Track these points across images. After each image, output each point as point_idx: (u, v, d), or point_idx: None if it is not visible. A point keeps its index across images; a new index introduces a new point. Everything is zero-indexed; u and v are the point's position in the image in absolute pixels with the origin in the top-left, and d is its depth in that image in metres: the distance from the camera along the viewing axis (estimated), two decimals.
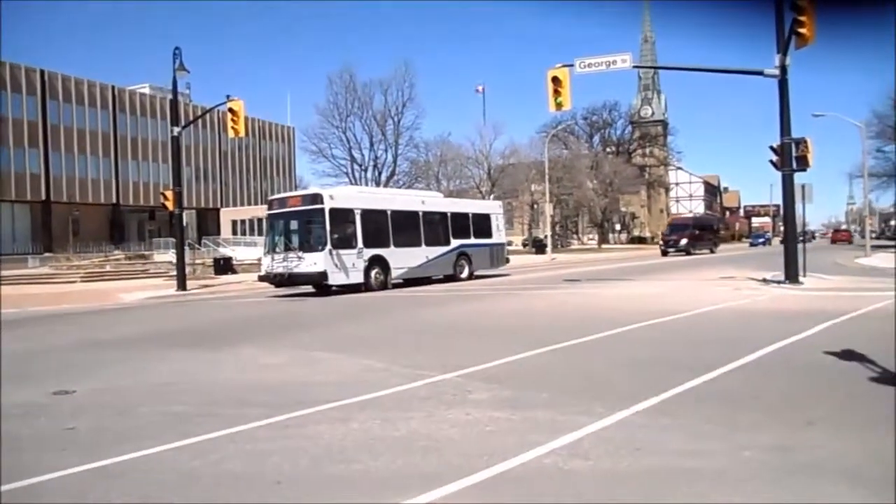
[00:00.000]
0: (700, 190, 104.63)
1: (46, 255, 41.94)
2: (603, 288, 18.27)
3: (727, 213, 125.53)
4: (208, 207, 58.74)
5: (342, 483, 3.87)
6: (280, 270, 18.46)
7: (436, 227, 22.08)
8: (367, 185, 57.49)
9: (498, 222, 25.26)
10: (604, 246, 69.94)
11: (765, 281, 17.30)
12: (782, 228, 20.68)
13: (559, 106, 17.65)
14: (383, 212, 20.26)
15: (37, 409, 6.06)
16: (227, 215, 55.77)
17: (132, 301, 20.02)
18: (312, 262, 17.89)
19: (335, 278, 18.17)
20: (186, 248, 25.88)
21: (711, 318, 11.01)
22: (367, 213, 19.44)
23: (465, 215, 23.69)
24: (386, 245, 19.85)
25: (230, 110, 21.87)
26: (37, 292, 24.62)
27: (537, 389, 5.99)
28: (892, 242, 52.95)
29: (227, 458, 4.41)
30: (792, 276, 15.86)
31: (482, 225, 24.14)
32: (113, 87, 52.23)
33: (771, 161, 16.12)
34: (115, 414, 5.79)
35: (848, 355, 7.04)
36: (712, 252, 46.99)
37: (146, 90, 55.74)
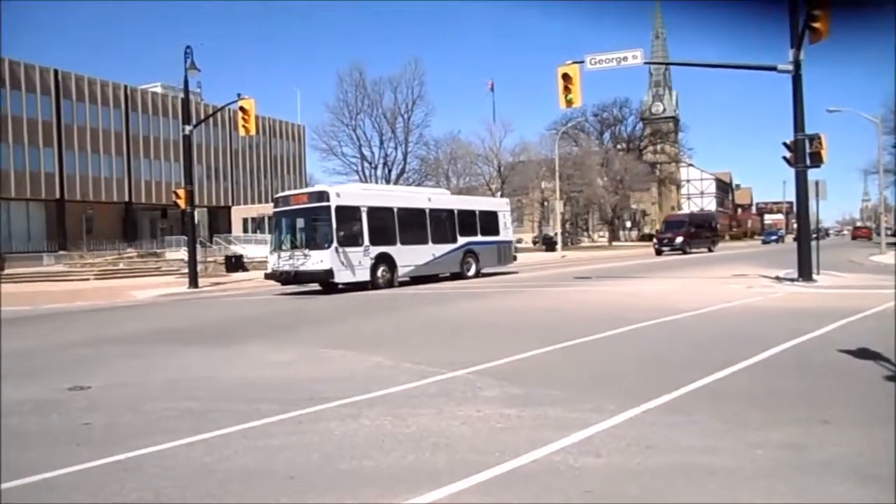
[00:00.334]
0: (711, 187, 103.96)
1: (61, 252, 42.35)
2: (614, 285, 18.20)
3: (739, 210, 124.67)
4: (219, 205, 59.04)
5: (354, 479, 3.88)
6: (286, 268, 18.47)
7: (442, 225, 21.99)
8: (377, 182, 57.54)
9: (505, 220, 25.14)
10: (614, 243, 69.68)
11: (778, 279, 17.18)
12: (795, 226, 20.53)
13: (570, 103, 17.60)
14: (390, 209, 20.21)
15: (52, 404, 6.12)
16: (238, 213, 56.05)
17: (145, 298, 20.18)
18: (319, 260, 17.87)
19: (341, 276, 18.13)
20: (198, 245, 26.04)
21: (724, 316, 10.94)
22: (373, 211, 19.39)
23: (472, 213, 23.60)
24: (392, 243, 19.81)
25: (241, 109, 21.98)
26: (51, 289, 24.87)
27: (548, 386, 5.98)
28: None
29: (240, 453, 4.44)
30: (805, 273, 15.73)
31: (489, 222, 24.03)
32: (125, 87, 52.58)
33: (784, 157, 15.98)
34: (129, 409, 5.85)
35: (863, 353, 6.97)
36: (710, 251, 45.00)
37: (158, 89, 56.07)
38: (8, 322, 14.32)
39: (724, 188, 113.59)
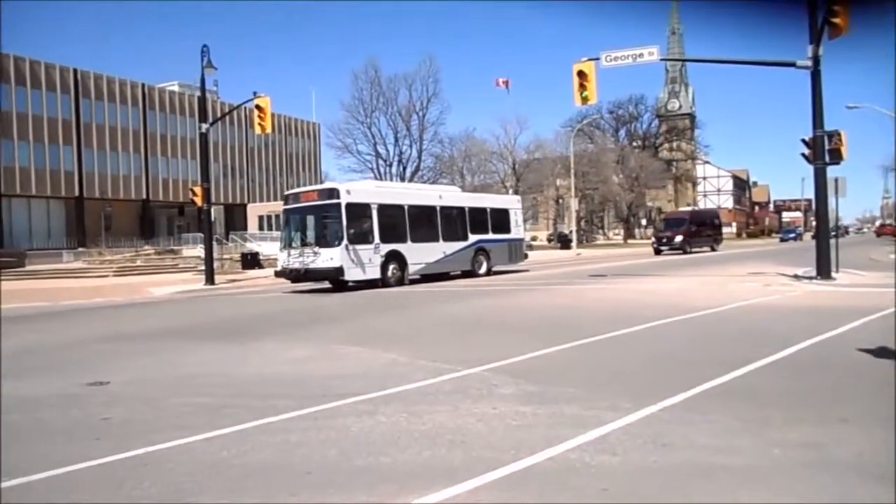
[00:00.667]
0: (728, 184, 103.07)
1: (80, 249, 42.89)
2: (629, 283, 18.10)
3: (756, 207, 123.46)
4: (235, 203, 59.48)
5: (370, 475, 3.90)
6: (296, 266, 18.39)
7: (453, 222, 21.84)
8: (392, 180, 57.62)
9: (516, 217, 24.91)
10: (630, 241, 69.30)
11: (796, 277, 16.99)
12: (814, 223, 20.27)
13: (585, 100, 17.52)
14: (400, 206, 20.11)
15: (72, 399, 6.21)
16: (253, 211, 56.44)
17: (162, 295, 20.38)
18: (329, 258, 17.78)
19: (351, 274, 18.05)
20: (214, 243, 26.24)
21: (741, 314, 10.84)
22: (383, 208, 19.26)
23: (483, 210, 23.40)
24: (403, 240, 19.69)
25: (257, 107, 22.10)
26: (71, 286, 25.20)
27: (564, 384, 5.97)
28: None
29: (257, 448, 4.47)
30: (824, 271, 15.55)
31: (500, 220, 23.83)
32: (143, 85, 53.12)
33: (803, 154, 15.80)
34: (147, 405, 5.92)
35: (882, 352, 6.88)
36: (713, 250, 42.78)
37: (175, 88, 56.58)
38: (29, 318, 14.55)
39: (742, 185, 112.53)
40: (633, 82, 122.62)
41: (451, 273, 21.93)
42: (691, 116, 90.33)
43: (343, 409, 5.39)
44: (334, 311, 14.01)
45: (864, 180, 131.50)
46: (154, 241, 47.72)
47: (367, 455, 4.24)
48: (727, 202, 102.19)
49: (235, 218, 57.87)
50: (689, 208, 50.36)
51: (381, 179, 57.21)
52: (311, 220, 19.50)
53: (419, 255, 20.13)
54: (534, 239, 67.82)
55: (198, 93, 27.91)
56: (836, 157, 15.38)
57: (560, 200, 66.30)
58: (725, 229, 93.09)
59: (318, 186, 22.95)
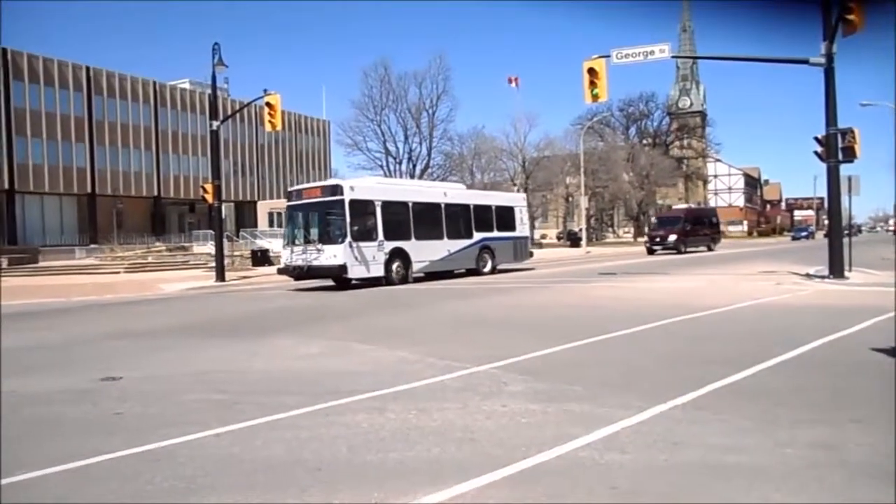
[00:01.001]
0: (740, 182, 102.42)
1: (92, 246, 43.26)
2: (640, 282, 18.04)
3: (768, 206, 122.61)
4: (246, 200, 59.71)
5: (380, 471, 3.92)
6: (299, 263, 18.26)
7: (458, 220, 21.67)
8: (402, 177, 57.64)
9: (522, 215, 24.71)
10: (639, 239, 68.96)
11: (808, 276, 16.87)
12: (826, 222, 20.09)
13: (595, 97, 17.45)
14: (404, 204, 19.94)
15: (85, 394, 6.27)
16: (263, 208, 56.63)
17: (173, 292, 20.52)
18: (332, 255, 17.61)
19: (355, 271, 17.91)
20: (225, 240, 26.38)
21: (752, 313, 10.78)
22: (387, 205, 19.12)
23: (489, 208, 23.19)
24: (407, 238, 19.54)
25: (267, 104, 22.17)
26: (83, 282, 25.41)
27: (573, 382, 5.96)
28: None
29: (267, 444, 4.50)
30: (837, 270, 15.43)
31: (506, 217, 23.63)
32: (154, 83, 53.40)
33: (816, 152, 15.68)
34: (159, 400, 5.97)
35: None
36: (710, 249, 40.87)
37: (186, 85, 56.84)
38: (42, 314, 14.69)
39: (753, 184, 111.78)
40: (643, 80, 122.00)
41: (455, 271, 21.80)
42: (702, 114, 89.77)
43: (353, 406, 5.41)
44: (342, 308, 14.05)
45: (878, 178, 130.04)
46: (165, 238, 48.02)
47: (376, 451, 4.26)
48: (738, 200, 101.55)
49: (246, 215, 58.12)
50: (684, 206, 47.82)
51: (391, 176, 57.30)
52: (314, 216, 19.35)
53: (423, 252, 20.00)
54: (543, 237, 67.78)
55: (208, 90, 28.06)
56: (850, 155, 15.25)
57: (570, 198, 66.13)
58: (736, 228, 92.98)
59: (322, 183, 22.77)
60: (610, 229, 79.93)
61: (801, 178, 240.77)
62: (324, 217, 18.92)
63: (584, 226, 51.35)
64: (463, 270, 21.94)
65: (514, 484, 3.65)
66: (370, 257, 18.19)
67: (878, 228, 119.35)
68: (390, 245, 18.87)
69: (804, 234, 73.58)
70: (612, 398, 5.35)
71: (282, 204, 52.52)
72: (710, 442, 4.23)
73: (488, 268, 22.40)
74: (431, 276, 20.81)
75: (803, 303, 11.93)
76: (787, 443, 4.17)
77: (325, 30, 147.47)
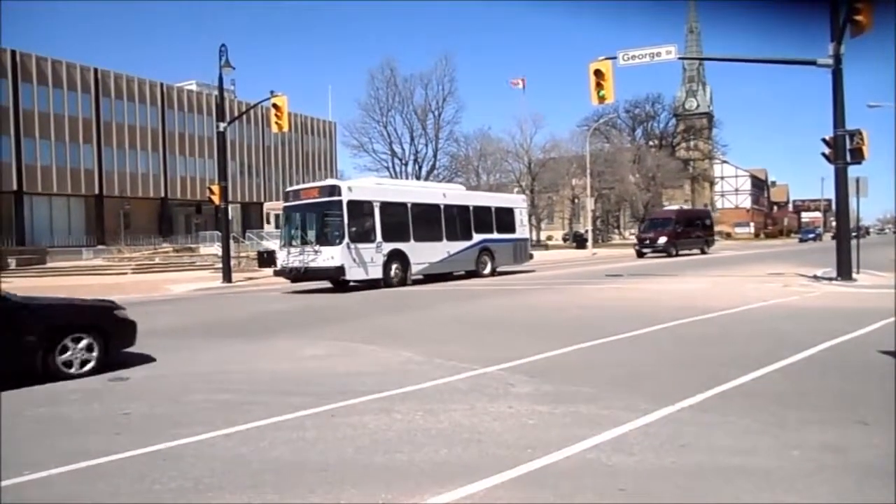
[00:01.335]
0: (746, 184, 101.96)
1: (100, 247, 43.42)
2: (646, 283, 17.99)
3: (775, 207, 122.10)
4: (252, 201, 59.82)
5: (387, 472, 3.92)
6: (296, 265, 17.90)
7: (457, 221, 21.25)
8: (408, 179, 57.65)
9: (521, 216, 24.33)
10: None
11: (815, 278, 16.79)
12: (834, 224, 20.00)
13: (602, 99, 17.40)
14: (403, 205, 19.61)
15: (93, 394, 6.31)
16: (270, 209, 56.73)
17: (180, 292, 20.58)
18: (329, 257, 17.26)
19: (353, 273, 17.59)
20: (231, 241, 26.44)
21: (759, 315, 10.74)
22: (386, 206, 18.74)
23: (488, 209, 22.77)
24: (406, 239, 19.20)
25: (274, 106, 22.21)
26: (91, 283, 25.53)
27: (580, 384, 5.96)
28: None
29: (275, 445, 4.52)
30: (844, 272, 15.34)
31: (505, 219, 23.23)
32: (162, 84, 53.58)
33: (823, 154, 15.60)
34: (167, 400, 5.99)
35: None
36: (704, 252, 38.97)
37: (193, 87, 57.01)
38: None
39: (760, 185, 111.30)
40: (650, 81, 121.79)
41: (455, 273, 21.49)
42: (709, 115, 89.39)
43: (359, 407, 5.42)
44: (347, 309, 14.05)
45: (886, 180, 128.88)
46: (172, 239, 48.14)
47: (383, 453, 4.27)
48: (745, 202, 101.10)
49: (252, 216, 58.21)
50: (675, 207, 45.54)
51: (396, 178, 57.31)
52: (311, 217, 18.98)
53: (422, 254, 19.64)
54: (549, 238, 67.69)
55: (215, 92, 28.15)
56: (858, 156, 15.15)
57: (576, 200, 66.04)
58: (743, 229, 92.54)
59: (319, 183, 22.03)
60: (616, 231, 79.72)
61: (808, 180, 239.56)
62: (321, 218, 18.63)
63: (590, 227, 51.22)
64: (462, 273, 21.66)
65: (521, 485, 3.65)
66: (368, 259, 17.88)
67: (887, 230, 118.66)
68: (389, 246, 18.55)
69: (811, 235, 73.21)
70: (619, 400, 5.34)
71: None
72: (718, 444, 4.22)
73: (488, 270, 22.03)
74: (430, 278, 20.50)
75: (811, 305, 11.88)
76: (795, 445, 4.15)
77: (332, 31, 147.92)
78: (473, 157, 64.23)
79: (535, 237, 63.58)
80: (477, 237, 21.80)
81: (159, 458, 4.32)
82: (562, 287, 17.85)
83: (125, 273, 31.88)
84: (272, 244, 40.70)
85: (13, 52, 43.16)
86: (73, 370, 7.14)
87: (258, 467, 4.08)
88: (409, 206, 19.78)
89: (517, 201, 25.59)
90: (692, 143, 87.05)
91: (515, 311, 12.60)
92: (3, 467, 4.13)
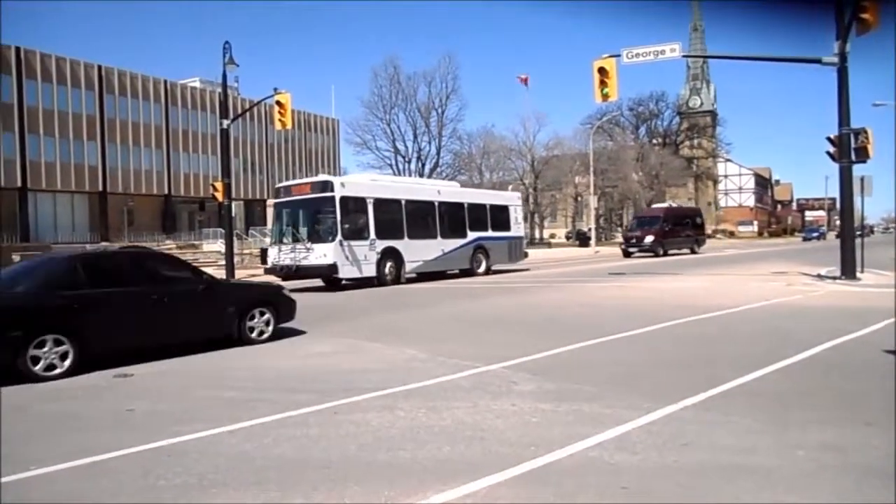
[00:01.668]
0: (750, 182, 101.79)
1: (103, 243, 43.53)
2: (649, 282, 17.97)
3: (779, 206, 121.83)
4: (255, 198, 59.91)
5: (390, 470, 3.94)
6: (287, 262, 17.51)
7: (452, 219, 20.88)
8: (411, 176, 57.62)
9: (516, 214, 23.92)
10: None
11: (819, 277, 16.76)
12: (838, 222, 19.94)
13: (605, 97, 17.35)
14: (397, 201, 19.18)
15: (98, 391, 6.34)
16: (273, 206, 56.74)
17: None
18: (322, 254, 16.87)
19: (346, 271, 17.28)
20: (234, 238, 26.48)
21: (762, 314, 10.72)
22: (380, 203, 18.36)
23: (483, 207, 22.45)
24: (400, 237, 18.86)
25: (277, 103, 22.17)
26: None
27: (582, 382, 5.96)
28: None
29: (278, 441, 4.53)
30: (848, 271, 15.31)
31: (500, 217, 22.89)
32: (165, 81, 53.65)
33: (828, 152, 15.55)
34: (171, 397, 6.02)
35: None
36: (694, 252, 37.49)
37: (196, 84, 57.08)
38: None
39: (764, 184, 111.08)
40: (654, 79, 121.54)
41: (449, 272, 21.17)
42: (713, 114, 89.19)
43: (363, 404, 5.43)
44: (347, 307, 14.04)
45: (891, 179, 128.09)
46: (175, 236, 48.26)
47: (386, 450, 4.28)
48: (749, 200, 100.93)
49: (255, 213, 58.31)
50: (664, 205, 43.90)
51: (399, 176, 57.29)
52: (303, 214, 18.55)
53: (416, 252, 19.29)
54: (552, 236, 67.67)
55: (219, 89, 28.20)
56: (863, 155, 15.11)
57: (579, 198, 65.96)
58: (747, 228, 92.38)
59: (311, 179, 21.19)
60: (619, 229, 79.62)
61: (812, 179, 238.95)
62: (313, 215, 18.17)
63: (593, 225, 51.15)
64: (457, 271, 21.35)
65: (524, 483, 3.66)
66: (361, 257, 17.53)
67: (891, 229, 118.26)
68: (382, 244, 18.19)
69: (815, 234, 73.03)
70: (621, 398, 5.35)
71: None
72: (720, 443, 4.23)
73: (482, 269, 21.67)
74: (423, 276, 20.17)
75: (815, 304, 11.86)
76: (798, 444, 4.15)
77: (335, 29, 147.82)
78: (477, 154, 64.21)
79: (537, 235, 63.63)
80: (472, 235, 21.44)
81: (163, 454, 4.34)
82: (562, 285, 17.84)
83: None
84: None
85: (17, 49, 43.27)
86: (254, 336, 9.02)
87: (262, 464, 4.10)
88: (403, 202, 19.38)
89: (512, 199, 25.07)
90: (696, 142, 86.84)
91: (516, 310, 12.59)
92: (10, 463, 4.16)
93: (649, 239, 35.24)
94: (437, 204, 20.61)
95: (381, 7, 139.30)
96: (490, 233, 22.22)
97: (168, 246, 42.50)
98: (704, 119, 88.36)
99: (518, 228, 24.19)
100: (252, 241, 42.31)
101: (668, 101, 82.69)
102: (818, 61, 15.09)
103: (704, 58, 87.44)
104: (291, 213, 18.78)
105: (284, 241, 18.24)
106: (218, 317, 8.77)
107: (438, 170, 63.60)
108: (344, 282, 17.97)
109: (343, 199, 17.38)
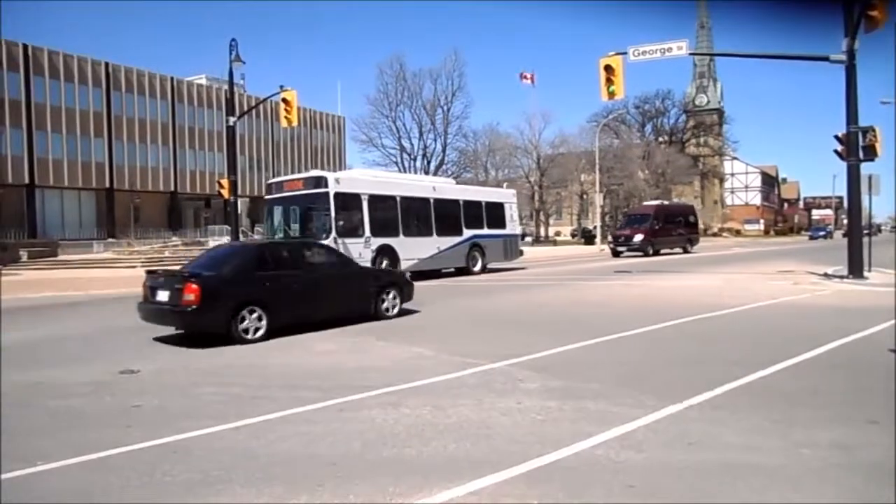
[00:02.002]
0: (757, 180, 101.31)
1: (110, 240, 43.66)
2: (656, 280, 17.91)
3: (785, 204, 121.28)
4: (261, 195, 59.92)
5: (395, 466, 3.94)
6: None
7: (448, 216, 20.42)
8: (416, 174, 57.55)
9: (512, 212, 23.52)
10: None
11: (826, 275, 16.68)
12: (845, 221, 19.85)
13: (612, 95, 17.30)
14: (392, 198, 18.77)
15: (104, 387, 6.35)
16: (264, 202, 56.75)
17: None
18: None
19: None
20: (240, 235, 26.55)
21: (769, 313, 10.69)
22: (375, 199, 17.93)
23: (479, 204, 21.98)
24: (395, 234, 18.46)
25: (283, 100, 22.23)
26: (101, 276, 25.70)
27: (588, 380, 5.95)
28: None
29: (283, 438, 4.54)
30: (856, 270, 15.24)
31: (495, 214, 22.45)
32: (172, 79, 53.77)
33: (836, 151, 15.48)
34: (177, 393, 6.03)
35: None
36: (686, 252, 35.92)
37: (203, 81, 57.19)
38: (61, 307, 14.89)
39: (770, 182, 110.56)
40: (660, 77, 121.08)
41: (444, 270, 20.56)
42: (719, 112, 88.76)
43: (368, 401, 5.44)
44: None
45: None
46: (181, 233, 48.39)
47: (391, 447, 4.28)
48: (755, 199, 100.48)
49: (261, 210, 58.40)
50: (655, 202, 42.19)
51: (405, 173, 57.28)
52: (296, 210, 17.99)
53: (412, 250, 18.79)
54: (557, 234, 67.57)
55: (225, 86, 28.22)
56: (871, 153, 15.02)
57: (584, 196, 65.79)
58: (753, 226, 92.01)
59: (305, 174, 20.49)
60: None
61: (819, 177, 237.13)
62: (307, 211, 17.70)
63: (598, 223, 51.05)
64: (452, 269, 20.80)
65: (530, 481, 3.65)
66: (356, 255, 16.65)
67: None
68: (377, 242, 17.72)
69: (822, 233, 72.70)
70: (627, 397, 5.34)
71: None
72: (727, 442, 4.21)
73: (478, 267, 21.24)
74: (418, 275, 19.15)
75: (821, 303, 11.80)
76: (804, 443, 4.14)
77: (341, 26, 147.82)
78: (482, 152, 64.14)
79: (542, 233, 63.56)
80: (467, 233, 20.96)
81: (169, 450, 4.35)
82: (566, 283, 17.80)
83: (135, 266, 32.02)
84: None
85: (25, 46, 43.45)
86: (388, 313, 10.86)
87: (267, 461, 4.11)
88: (398, 199, 18.97)
89: (507, 196, 24.63)
90: (702, 140, 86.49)
91: (519, 308, 12.57)
92: (17, 459, 4.18)
93: (638, 237, 33.83)
94: (432, 201, 20.18)
95: (388, 5, 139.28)
96: (486, 230, 21.78)
97: (174, 242, 42.63)
98: (711, 117, 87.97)
99: (513, 226, 23.69)
100: (257, 237, 42.39)
101: (674, 99, 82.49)
102: (826, 59, 15.01)
103: (711, 55, 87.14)
104: (284, 210, 18.30)
105: (276, 238, 17.68)
106: (365, 295, 10.68)
107: (444, 167, 63.55)
108: None
109: (338, 194, 16.92)
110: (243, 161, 53.85)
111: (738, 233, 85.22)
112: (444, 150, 64.84)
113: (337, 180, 17.40)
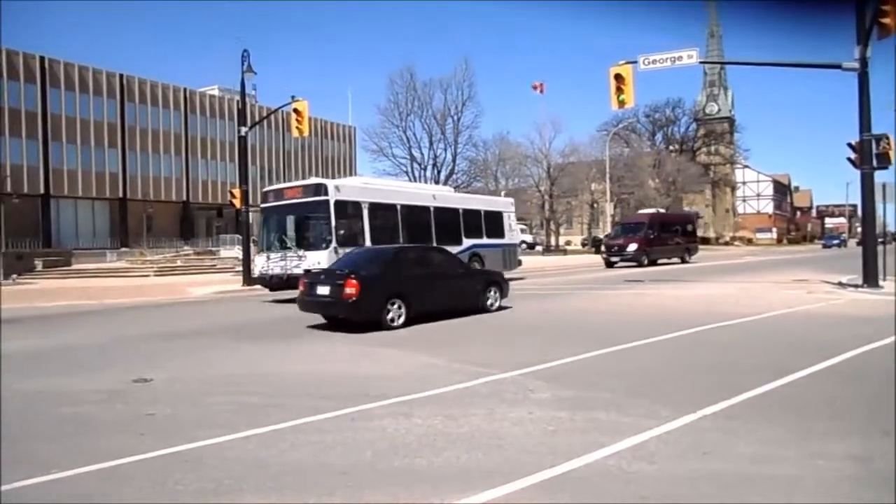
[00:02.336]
0: (769, 189, 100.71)
1: (123, 249, 44.05)
2: (668, 288, 17.82)
3: (798, 213, 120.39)
4: None
5: (407, 476, 3.93)
6: (277, 271, 16.48)
7: (448, 225, 20.17)
8: (427, 183, 57.66)
9: (510, 221, 23.33)
10: None
11: (840, 284, 16.52)
12: (859, 230, 19.65)
13: (622, 103, 17.29)
14: (393, 206, 18.49)
15: (117, 395, 6.39)
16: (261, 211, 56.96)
17: (201, 295, 20.78)
18: (315, 262, 15.50)
19: None
20: (252, 244, 26.65)
21: (784, 322, 10.59)
22: (375, 208, 17.59)
23: (478, 213, 21.78)
24: (395, 243, 17.83)
25: (295, 110, 22.37)
26: (115, 285, 25.91)
27: (600, 390, 5.92)
28: None
29: (295, 447, 4.55)
30: (871, 279, 15.09)
31: (494, 223, 22.28)
32: (185, 90, 54.34)
33: (849, 159, 15.36)
34: (190, 402, 6.06)
35: None
36: (684, 261, 34.70)
37: (215, 92, 57.74)
38: (76, 316, 15.02)
39: (783, 190, 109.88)
40: (670, 85, 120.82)
41: None
42: (730, 120, 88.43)
43: (379, 411, 5.43)
44: None
45: None
46: (193, 242, 48.74)
47: (403, 457, 4.28)
48: (767, 207, 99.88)
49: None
50: (650, 210, 40.68)
51: (415, 182, 57.39)
52: (294, 219, 17.68)
53: None
54: (568, 243, 67.38)
55: (237, 97, 28.45)
56: (885, 161, 14.91)
57: (595, 205, 65.71)
58: (765, 235, 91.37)
59: (303, 182, 20.14)
60: None
61: (832, 185, 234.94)
62: (305, 220, 17.36)
63: (609, 232, 50.89)
64: None
65: (542, 491, 3.64)
66: None
67: None
68: None
69: (835, 242, 72.10)
70: (639, 407, 5.30)
71: None
72: (741, 452, 4.17)
73: None
74: None
75: (836, 312, 11.69)
76: (820, 454, 4.09)
77: (352, 36, 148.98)
78: (492, 161, 64.20)
79: (553, 242, 63.41)
80: (467, 242, 20.62)
81: (181, 459, 4.37)
82: (578, 293, 17.73)
83: (147, 275, 32.29)
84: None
85: (41, 58, 44.13)
86: (491, 307, 12.88)
87: (278, 470, 4.11)
88: (398, 207, 18.65)
89: (505, 205, 24.34)
90: (713, 148, 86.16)
91: (532, 316, 12.52)
92: (30, 466, 4.21)
93: (632, 247, 32.47)
94: (432, 209, 19.88)
95: (398, 14, 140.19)
96: (485, 240, 21.54)
97: (186, 252, 42.93)
98: (722, 125, 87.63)
99: (512, 236, 23.41)
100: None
101: (684, 108, 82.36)
102: (838, 66, 14.94)
103: (722, 64, 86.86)
104: (281, 219, 17.86)
105: (273, 248, 17.21)
106: (475, 292, 12.69)
107: (454, 177, 63.68)
108: None
109: (338, 203, 16.51)
110: (255, 171, 54.16)
111: (750, 241, 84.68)
112: (454, 160, 65.00)
113: (337, 188, 17.05)
